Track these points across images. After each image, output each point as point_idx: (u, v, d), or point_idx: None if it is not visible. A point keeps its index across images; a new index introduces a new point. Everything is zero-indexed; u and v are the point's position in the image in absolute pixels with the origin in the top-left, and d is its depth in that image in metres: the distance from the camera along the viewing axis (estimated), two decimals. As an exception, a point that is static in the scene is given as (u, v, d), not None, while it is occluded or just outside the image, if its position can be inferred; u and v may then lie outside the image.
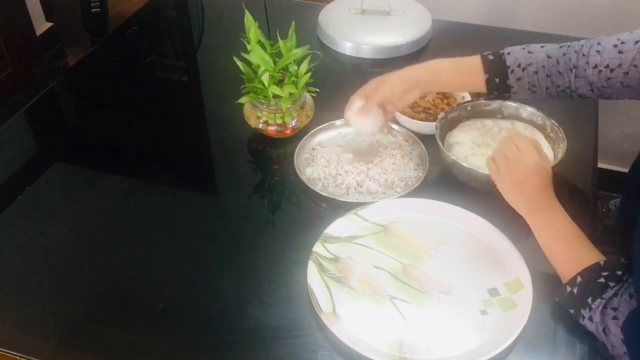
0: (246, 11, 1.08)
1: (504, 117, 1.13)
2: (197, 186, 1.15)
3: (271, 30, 1.18)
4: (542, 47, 1.00)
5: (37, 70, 2.66)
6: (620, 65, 0.90)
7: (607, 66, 0.92)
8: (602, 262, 0.82)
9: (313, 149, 1.14)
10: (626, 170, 1.09)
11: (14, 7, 2.47)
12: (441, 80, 1.04)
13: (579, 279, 0.82)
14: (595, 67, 0.93)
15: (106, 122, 1.30)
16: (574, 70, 0.95)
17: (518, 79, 0.99)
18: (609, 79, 0.92)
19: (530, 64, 0.98)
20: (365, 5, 1.48)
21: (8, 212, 1.05)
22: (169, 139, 1.24)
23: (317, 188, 1.05)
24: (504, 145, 0.92)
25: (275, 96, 1.09)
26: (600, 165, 1.90)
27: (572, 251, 0.85)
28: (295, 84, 1.10)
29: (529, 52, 0.99)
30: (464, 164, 1.01)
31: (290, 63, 1.10)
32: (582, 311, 0.81)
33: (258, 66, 1.08)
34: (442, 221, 0.99)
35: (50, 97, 1.38)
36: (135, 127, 1.28)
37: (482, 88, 1.03)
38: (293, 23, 1.11)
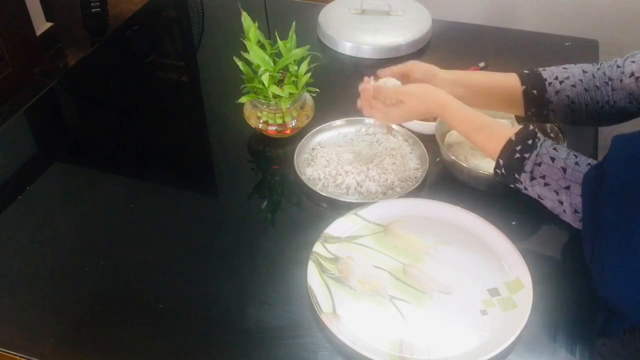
0: (243, 12, 1.08)
1: (503, 117, 1.13)
2: (197, 186, 1.15)
3: (271, 31, 1.18)
4: (574, 64, 0.99)
5: (37, 70, 2.66)
6: None
7: None
8: (513, 138, 0.85)
9: (313, 149, 1.14)
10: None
11: (14, 7, 2.47)
12: (474, 89, 1.01)
13: (500, 161, 0.87)
14: (632, 75, 0.91)
15: (106, 122, 1.30)
16: (610, 82, 0.94)
17: (557, 92, 0.97)
18: None
19: (567, 77, 0.96)
20: (365, 5, 1.48)
21: (8, 212, 1.05)
22: (169, 139, 1.24)
23: (317, 188, 1.05)
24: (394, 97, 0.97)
25: (275, 96, 1.09)
26: (600, 165, 1.89)
27: (486, 136, 0.90)
28: (295, 84, 1.10)
29: (564, 68, 0.98)
30: (464, 164, 1.01)
31: (290, 63, 1.11)
32: (517, 185, 0.87)
33: (258, 66, 1.08)
34: (442, 221, 0.99)
35: (50, 97, 1.38)
36: (135, 127, 1.28)
37: (518, 102, 0.99)
38: (293, 23, 1.11)
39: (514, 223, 0.99)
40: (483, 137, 0.90)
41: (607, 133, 2.03)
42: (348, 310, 0.87)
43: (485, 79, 1.03)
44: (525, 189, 0.86)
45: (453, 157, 1.01)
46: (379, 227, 0.99)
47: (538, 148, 0.83)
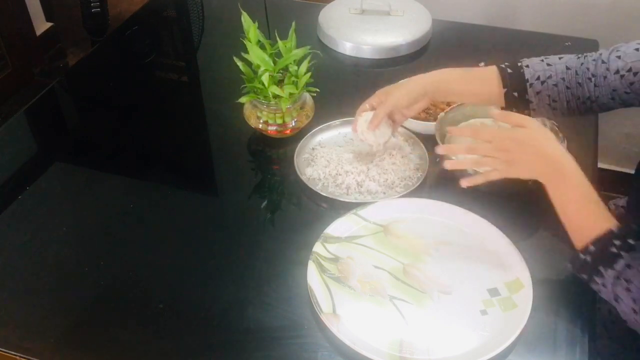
0: (243, 12, 1.08)
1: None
2: (197, 186, 1.15)
3: (271, 31, 1.18)
4: (560, 58, 0.96)
5: (37, 70, 2.66)
6: None
7: (629, 70, 0.89)
8: (615, 230, 0.79)
9: (313, 149, 1.14)
10: (626, 170, 1.09)
11: (14, 7, 2.47)
12: (453, 91, 1.00)
13: (591, 248, 0.80)
14: (617, 72, 0.90)
15: (106, 122, 1.30)
16: (592, 79, 0.93)
17: (537, 93, 0.95)
18: (631, 83, 0.89)
19: (550, 77, 0.95)
20: (365, 5, 1.48)
21: (8, 212, 1.05)
22: (169, 139, 1.24)
23: (317, 188, 1.05)
24: (500, 143, 0.88)
25: (275, 96, 1.09)
26: (600, 165, 1.90)
27: (585, 215, 0.83)
28: (295, 84, 1.10)
29: (548, 65, 0.96)
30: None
31: (290, 63, 1.11)
32: (595, 278, 0.81)
33: (258, 66, 1.08)
34: (442, 221, 0.99)
35: (50, 97, 1.38)
36: (135, 127, 1.28)
37: (499, 101, 0.98)
38: (293, 23, 1.11)
39: (513, 224, 0.99)
40: (587, 212, 0.83)
41: (607, 133, 2.03)
42: (348, 310, 0.87)
43: (465, 87, 0.99)
44: (604, 285, 0.80)
45: (453, 157, 1.01)
46: (379, 227, 0.98)
47: (637, 251, 0.77)
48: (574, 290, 0.90)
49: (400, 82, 1.03)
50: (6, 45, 2.47)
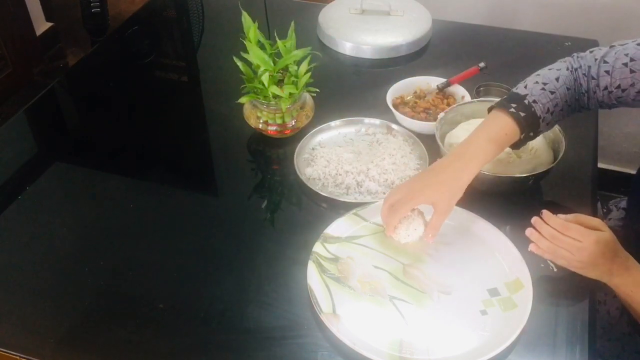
0: (243, 12, 1.08)
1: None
2: (197, 186, 1.15)
3: (271, 31, 1.18)
4: (557, 79, 0.95)
5: (37, 70, 2.66)
6: (633, 85, 0.89)
7: (618, 87, 0.91)
8: None
9: (313, 149, 1.14)
10: (626, 170, 1.09)
11: (14, 7, 2.47)
12: (483, 167, 0.93)
13: None
14: (605, 88, 0.92)
15: (106, 122, 1.30)
16: (586, 94, 0.95)
17: (548, 124, 0.95)
18: (619, 97, 0.92)
19: (556, 105, 0.94)
20: (365, 5, 1.48)
21: (8, 212, 1.05)
22: (169, 139, 1.24)
23: (317, 188, 1.05)
24: (561, 242, 0.86)
25: (275, 96, 1.09)
26: (600, 165, 1.90)
27: None
28: (295, 84, 1.10)
29: (551, 93, 0.94)
30: (464, 164, 1.00)
31: (290, 63, 1.10)
32: None
33: (258, 66, 1.08)
34: (442, 221, 0.99)
35: (50, 97, 1.38)
36: (135, 127, 1.28)
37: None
38: (292, 23, 1.11)
39: (513, 224, 0.99)
40: None
41: (607, 133, 2.03)
42: (348, 310, 0.87)
43: (491, 152, 0.91)
44: None
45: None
46: (379, 227, 0.98)
47: None
48: (574, 290, 0.90)
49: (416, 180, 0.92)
50: (6, 45, 2.47)
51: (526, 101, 0.92)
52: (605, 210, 1.27)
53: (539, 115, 0.92)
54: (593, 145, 1.15)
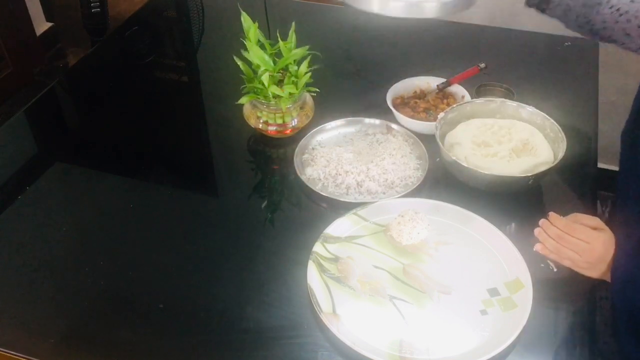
0: (243, 12, 1.08)
1: (503, 117, 1.13)
2: (197, 186, 1.15)
3: (271, 31, 1.18)
4: None
5: (37, 70, 2.66)
6: (627, 12, 0.87)
7: (618, 9, 0.88)
8: None
9: (313, 149, 1.14)
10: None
11: (14, 7, 2.47)
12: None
13: None
14: (612, 6, 0.89)
15: (106, 122, 1.30)
16: (596, 6, 0.91)
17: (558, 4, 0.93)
18: (617, 21, 0.88)
19: None
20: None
21: (8, 212, 1.05)
22: (169, 139, 1.24)
23: (317, 188, 1.05)
24: (568, 243, 0.87)
25: (275, 96, 1.09)
26: (600, 165, 1.90)
27: None
28: (295, 84, 1.10)
29: None
30: (464, 164, 1.01)
31: (290, 63, 1.11)
32: None
33: (258, 66, 1.08)
34: (442, 221, 0.99)
35: (50, 97, 1.38)
36: (135, 127, 1.28)
37: None
38: (293, 23, 1.11)
39: (513, 224, 0.99)
40: None
41: (607, 133, 2.04)
42: (348, 310, 0.87)
43: None
44: None
45: (453, 157, 1.01)
46: (379, 227, 0.98)
47: None
48: (574, 290, 0.90)
49: None
50: (6, 45, 2.47)
51: None
52: (604, 209, 1.27)
53: None
54: (593, 145, 1.15)
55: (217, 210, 1.09)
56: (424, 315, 0.86)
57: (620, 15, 0.89)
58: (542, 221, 0.90)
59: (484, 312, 0.86)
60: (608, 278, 0.86)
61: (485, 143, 1.08)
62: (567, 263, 0.88)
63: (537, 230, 0.90)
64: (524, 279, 0.89)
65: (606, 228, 0.88)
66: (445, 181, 1.07)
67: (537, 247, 0.89)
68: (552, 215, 0.90)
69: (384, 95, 1.21)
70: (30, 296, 0.92)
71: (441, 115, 1.10)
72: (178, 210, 1.07)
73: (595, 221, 0.88)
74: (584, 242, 0.86)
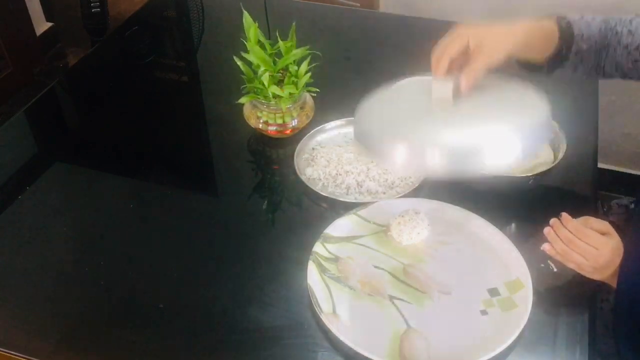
0: (244, 12, 1.08)
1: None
2: (197, 186, 1.15)
3: (271, 31, 1.18)
4: (593, 19, 0.94)
5: (37, 70, 2.66)
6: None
7: (637, 48, 0.89)
8: None
9: (313, 149, 1.14)
10: (626, 170, 1.09)
11: (14, 7, 2.47)
12: (533, 47, 0.94)
13: None
14: (626, 47, 0.90)
15: (106, 122, 1.30)
16: (606, 50, 0.93)
17: (576, 53, 0.93)
18: (636, 61, 0.90)
19: (589, 37, 0.92)
20: None
21: (8, 212, 1.05)
22: (169, 139, 1.24)
23: (317, 188, 1.05)
24: (578, 247, 0.86)
25: (275, 96, 1.09)
26: (600, 165, 1.89)
27: None
28: (295, 84, 1.10)
29: (587, 24, 0.93)
30: (464, 164, 1.00)
31: (291, 63, 1.11)
32: None
33: (258, 66, 1.08)
34: (442, 221, 0.99)
35: (50, 97, 1.38)
36: (135, 127, 1.28)
37: (542, 56, 0.94)
38: (293, 24, 1.11)
39: (513, 224, 0.99)
40: None
41: (607, 133, 2.02)
42: (348, 310, 0.87)
43: (541, 47, 0.94)
44: None
45: (453, 157, 1.01)
46: (379, 227, 0.98)
47: None
48: (574, 290, 0.90)
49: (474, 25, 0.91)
50: (6, 45, 2.47)
51: (567, 19, 0.93)
52: (605, 210, 1.27)
53: (575, 33, 0.92)
54: (593, 145, 1.15)
55: (217, 210, 1.09)
56: (424, 315, 0.86)
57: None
58: (553, 220, 0.88)
59: (484, 312, 0.86)
60: (611, 282, 0.86)
61: (485, 143, 1.07)
62: (572, 266, 0.87)
63: (547, 230, 0.88)
64: (524, 279, 0.89)
65: (615, 234, 0.86)
66: (445, 181, 1.07)
67: (545, 246, 0.87)
68: (565, 216, 0.87)
69: (384, 95, 1.21)
70: (30, 296, 0.92)
71: (441, 115, 1.10)
72: (178, 210, 1.07)
73: (605, 226, 0.87)
74: (592, 248, 0.84)
